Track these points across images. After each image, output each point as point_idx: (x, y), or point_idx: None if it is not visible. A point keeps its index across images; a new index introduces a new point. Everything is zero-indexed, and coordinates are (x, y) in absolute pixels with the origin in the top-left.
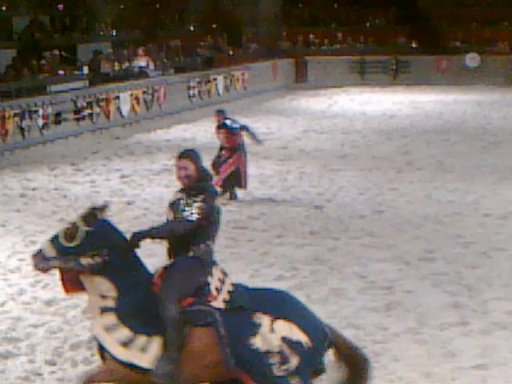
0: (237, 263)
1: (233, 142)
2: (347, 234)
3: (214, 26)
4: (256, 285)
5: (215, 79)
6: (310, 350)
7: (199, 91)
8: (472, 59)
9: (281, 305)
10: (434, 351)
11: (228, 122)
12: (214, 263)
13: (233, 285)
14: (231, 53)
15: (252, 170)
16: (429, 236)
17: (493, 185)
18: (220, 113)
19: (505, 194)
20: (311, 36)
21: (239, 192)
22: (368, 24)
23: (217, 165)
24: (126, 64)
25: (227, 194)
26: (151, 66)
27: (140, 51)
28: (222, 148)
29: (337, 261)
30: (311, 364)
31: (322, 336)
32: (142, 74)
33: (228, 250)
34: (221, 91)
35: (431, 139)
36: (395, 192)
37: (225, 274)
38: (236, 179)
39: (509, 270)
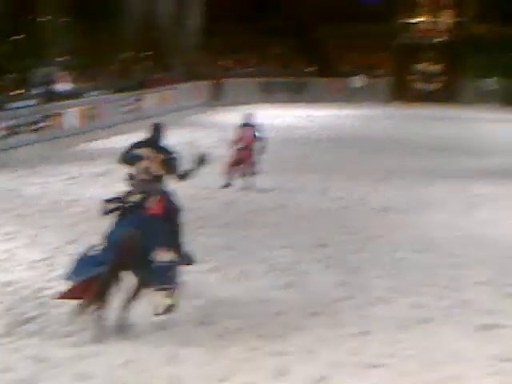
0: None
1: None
2: (255, 225)
3: (146, 53)
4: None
5: (147, 98)
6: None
7: (134, 108)
8: (359, 81)
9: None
10: (325, 322)
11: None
12: None
13: None
14: (160, 76)
15: None
16: (322, 226)
17: (375, 184)
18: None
19: (385, 192)
20: (227, 61)
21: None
22: (273, 51)
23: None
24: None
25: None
26: (70, 87)
27: (62, 75)
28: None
29: (246, 247)
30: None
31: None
32: (85, 93)
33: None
34: (152, 107)
35: (325, 146)
36: (296, 189)
37: None
38: (249, 169)
39: (386, 252)
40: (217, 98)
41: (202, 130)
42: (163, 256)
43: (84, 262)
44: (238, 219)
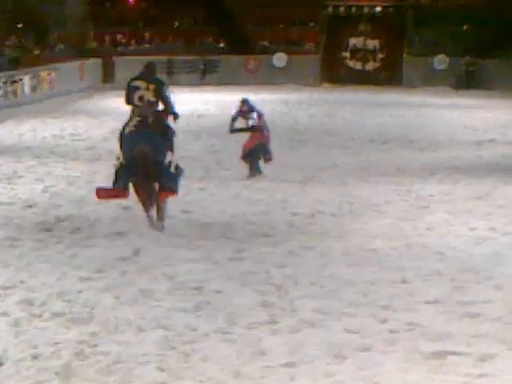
0: (44, 266)
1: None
2: (156, 235)
3: (20, 25)
4: (64, 287)
5: (21, 79)
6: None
7: (5, 92)
8: (279, 59)
9: None
10: (242, 350)
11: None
12: None
13: None
14: (37, 53)
15: (59, 171)
16: (237, 235)
17: (301, 183)
18: (244, 102)
19: (312, 193)
20: (118, 36)
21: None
22: (176, 24)
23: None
24: None
25: (251, 171)
26: None
27: None
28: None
29: (145, 262)
30: None
31: None
32: None
33: (35, 252)
34: (27, 92)
35: (239, 138)
36: (203, 192)
37: None
38: (262, 152)
39: (315, 268)
40: (106, 81)
41: (88, 118)
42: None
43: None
44: (136, 227)
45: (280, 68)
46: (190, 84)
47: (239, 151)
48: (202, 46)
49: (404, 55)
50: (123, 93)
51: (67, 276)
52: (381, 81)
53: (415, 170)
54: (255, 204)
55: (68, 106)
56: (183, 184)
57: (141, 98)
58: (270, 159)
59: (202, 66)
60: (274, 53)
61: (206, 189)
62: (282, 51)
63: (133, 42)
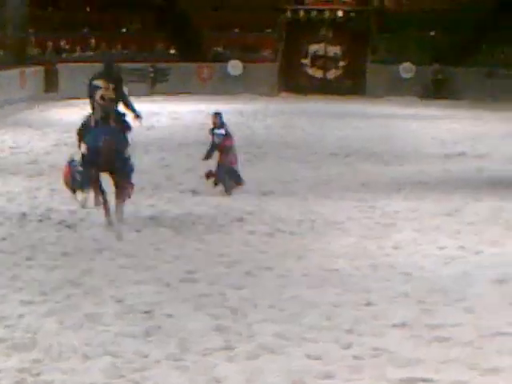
0: None
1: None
2: (103, 255)
3: None
4: (4, 311)
5: None
6: None
7: None
8: (234, 67)
9: None
10: (196, 378)
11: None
12: None
13: None
14: None
15: None
16: (190, 255)
17: (258, 199)
18: (217, 115)
19: (270, 210)
20: (62, 42)
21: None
22: (124, 29)
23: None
24: None
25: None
26: None
27: None
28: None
29: (92, 284)
30: None
31: None
32: None
33: None
34: None
35: (191, 152)
36: (153, 209)
37: None
38: (234, 176)
39: (274, 289)
40: (49, 90)
41: (30, 130)
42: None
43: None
44: (82, 247)
45: (235, 76)
46: (139, 94)
47: (191, 165)
48: (152, 53)
49: (367, 63)
50: (67, 103)
51: (7, 299)
52: (343, 90)
53: (380, 185)
54: (209, 221)
55: (8, 117)
56: (131, 201)
57: (102, 97)
58: (242, 183)
59: (151, 75)
60: (228, 60)
61: (155, 206)
62: (238, 58)
63: (77, 48)
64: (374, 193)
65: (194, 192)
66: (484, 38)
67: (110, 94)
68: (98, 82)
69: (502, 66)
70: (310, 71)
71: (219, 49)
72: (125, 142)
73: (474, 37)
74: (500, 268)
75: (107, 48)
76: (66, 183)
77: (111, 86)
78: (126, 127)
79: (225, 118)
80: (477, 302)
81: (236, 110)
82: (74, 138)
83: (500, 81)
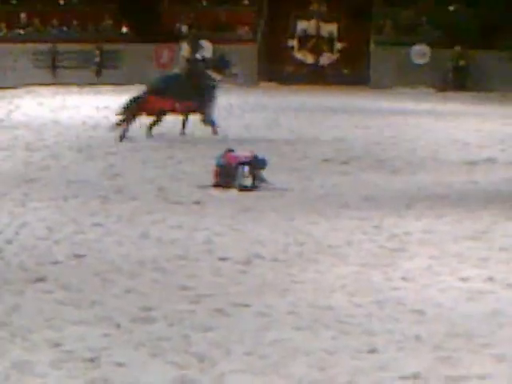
0: None
1: None
2: (34, 287)
3: None
4: None
5: None
6: None
7: None
8: (207, 48)
9: None
10: None
11: None
12: None
13: None
14: None
15: None
16: (146, 288)
17: (231, 218)
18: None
19: (247, 231)
20: None
21: None
22: (62, 1)
23: None
24: None
25: None
26: None
27: None
28: None
29: (21, 324)
30: None
31: None
32: None
33: None
34: None
35: (148, 157)
36: (100, 229)
37: None
38: None
39: (252, 332)
40: None
41: None
42: None
43: None
44: (8, 278)
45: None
46: (81, 82)
47: (147, 174)
48: (98, 32)
49: (371, 45)
50: None
51: None
52: (340, 79)
53: (386, 200)
54: (169, 246)
55: None
56: (72, 219)
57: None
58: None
59: (97, 59)
60: (198, 40)
61: (102, 225)
62: (207, 38)
63: (3, 25)
64: (380, 209)
65: (151, 208)
66: None
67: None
68: None
69: None
70: (299, 55)
71: (183, 27)
72: None
73: (504, 13)
74: None
75: (41, 25)
76: None
77: None
78: None
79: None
80: (509, 348)
81: None
82: None
83: None
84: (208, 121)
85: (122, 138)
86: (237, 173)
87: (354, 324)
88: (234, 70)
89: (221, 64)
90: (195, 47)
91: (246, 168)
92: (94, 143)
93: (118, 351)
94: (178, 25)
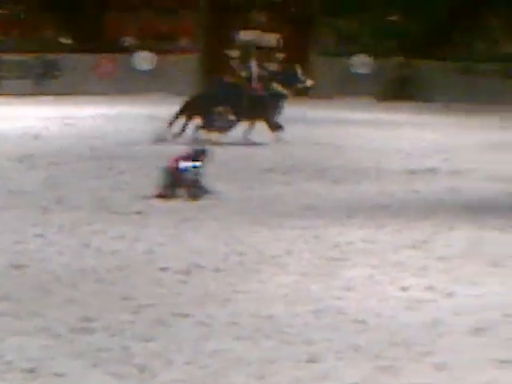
0: None
1: None
2: None
3: None
4: None
5: None
6: None
7: None
8: (143, 60)
9: None
10: None
11: None
12: None
13: None
14: None
15: None
16: (86, 298)
17: (172, 228)
18: None
19: (187, 241)
20: None
21: None
22: (2, 11)
23: None
24: None
25: None
26: None
27: None
28: None
29: None
30: None
31: None
32: None
33: None
34: None
35: (89, 167)
36: (41, 239)
37: None
38: None
39: (192, 342)
40: None
41: None
42: None
43: None
44: None
45: (144, 71)
46: (22, 93)
47: (88, 184)
48: (40, 42)
49: (312, 55)
50: None
51: None
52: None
53: (328, 210)
54: (110, 256)
55: None
56: (12, 229)
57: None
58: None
59: (38, 69)
60: (135, 51)
61: (43, 235)
62: (147, 49)
63: None
64: (321, 219)
65: (92, 218)
66: (459, 26)
67: None
68: None
69: (481, 60)
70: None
71: (125, 37)
72: None
73: (447, 23)
74: (477, 314)
75: None
76: None
77: None
78: None
79: (130, 125)
80: (449, 357)
81: (144, 116)
82: None
83: (479, 78)
84: (274, 126)
85: (178, 134)
86: (181, 171)
87: (295, 333)
88: (308, 83)
89: (288, 79)
90: (246, 57)
91: (190, 164)
92: (34, 153)
93: (57, 362)
94: (119, 36)
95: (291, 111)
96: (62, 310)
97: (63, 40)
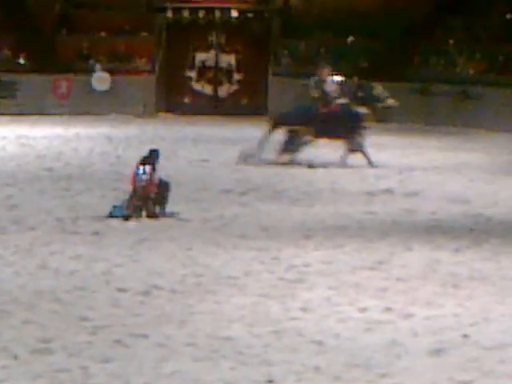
0: None
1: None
2: None
3: None
4: None
5: None
6: None
7: None
8: (100, 80)
9: None
10: None
11: None
12: None
13: None
14: None
15: None
16: (44, 319)
17: (130, 249)
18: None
19: (145, 262)
20: None
21: None
22: None
23: None
24: None
25: None
26: None
27: None
28: None
29: None
30: None
31: None
32: None
33: None
34: None
35: (46, 188)
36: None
37: None
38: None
39: (151, 363)
40: None
41: None
42: None
43: None
44: None
45: (101, 92)
46: None
47: (46, 205)
48: None
49: (269, 76)
50: None
51: None
52: (239, 110)
53: (285, 231)
54: (67, 277)
55: None
56: None
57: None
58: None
59: None
60: (92, 71)
61: (0, 256)
62: (104, 69)
63: None
64: (278, 240)
65: (49, 239)
66: (417, 47)
67: None
68: None
69: (438, 81)
70: (198, 86)
71: (92, 59)
72: None
73: (403, 45)
74: (435, 335)
75: None
76: None
77: None
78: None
79: (89, 145)
80: (407, 379)
81: (102, 136)
82: None
83: (436, 99)
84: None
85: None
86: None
87: (253, 355)
88: (389, 103)
89: (368, 99)
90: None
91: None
92: None
93: (16, 383)
94: (76, 56)
95: (248, 131)
96: (19, 331)
97: (20, 60)
